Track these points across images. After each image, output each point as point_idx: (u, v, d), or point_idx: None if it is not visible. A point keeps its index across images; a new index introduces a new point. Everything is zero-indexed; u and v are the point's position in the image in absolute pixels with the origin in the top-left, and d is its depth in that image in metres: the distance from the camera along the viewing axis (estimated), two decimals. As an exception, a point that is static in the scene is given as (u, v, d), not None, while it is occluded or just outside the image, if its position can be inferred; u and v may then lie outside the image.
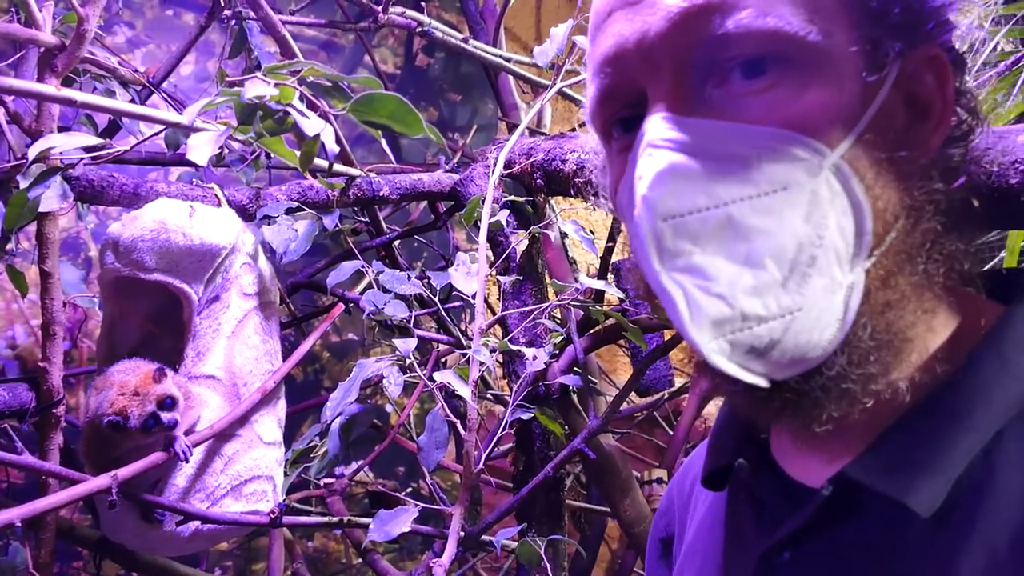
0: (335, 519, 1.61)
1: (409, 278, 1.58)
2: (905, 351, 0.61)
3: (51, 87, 1.30)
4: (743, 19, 0.57)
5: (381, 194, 1.74)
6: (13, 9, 1.54)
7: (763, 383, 0.59)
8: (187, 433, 1.40)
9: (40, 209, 1.33)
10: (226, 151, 1.69)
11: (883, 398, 0.60)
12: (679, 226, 0.58)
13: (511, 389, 1.59)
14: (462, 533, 1.38)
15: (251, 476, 1.49)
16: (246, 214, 1.60)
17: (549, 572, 1.46)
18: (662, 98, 0.61)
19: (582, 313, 1.63)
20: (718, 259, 0.58)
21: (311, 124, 1.14)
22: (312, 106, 1.20)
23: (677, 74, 0.60)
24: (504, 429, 1.49)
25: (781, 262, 0.57)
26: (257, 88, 1.13)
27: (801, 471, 0.68)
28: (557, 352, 1.65)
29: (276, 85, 1.15)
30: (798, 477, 0.68)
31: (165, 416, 1.31)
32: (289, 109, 1.14)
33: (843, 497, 0.61)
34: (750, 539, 0.70)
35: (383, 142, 1.23)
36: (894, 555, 0.59)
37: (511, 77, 2.22)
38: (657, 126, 0.60)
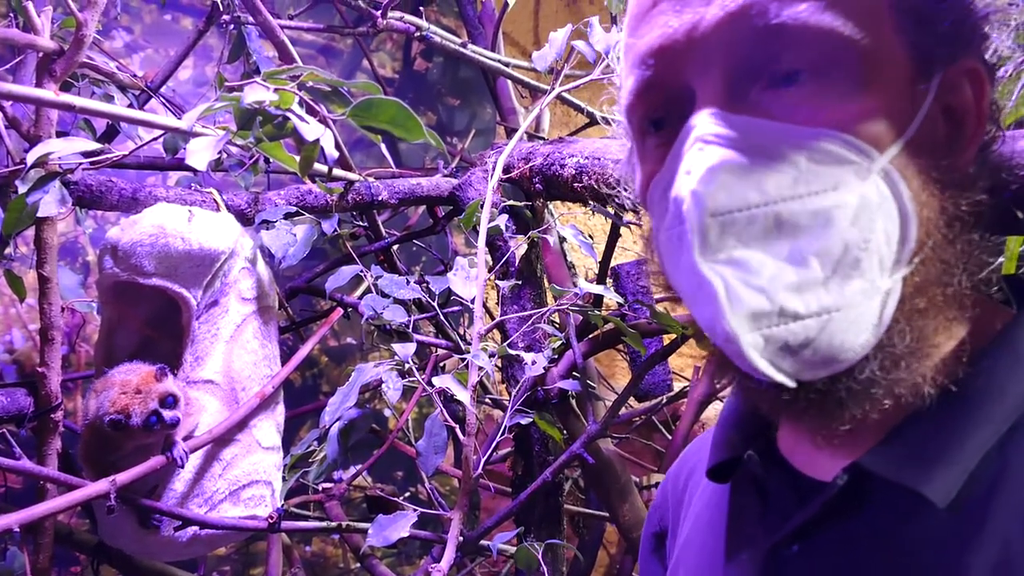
0: (334, 524, 1.61)
1: (408, 283, 1.58)
2: (931, 357, 0.61)
3: (49, 92, 1.30)
4: (801, 13, 0.57)
5: (380, 199, 1.74)
6: (12, 14, 1.53)
7: (790, 383, 0.59)
8: (185, 439, 1.40)
9: (39, 214, 1.33)
10: (224, 156, 1.69)
11: (903, 401, 0.60)
12: (727, 222, 0.58)
13: (510, 394, 1.59)
14: (461, 538, 1.38)
15: (249, 481, 1.49)
16: (245, 219, 1.60)
17: (548, 577, 1.46)
18: (711, 94, 0.61)
19: (581, 318, 1.63)
20: (760, 254, 0.58)
21: (311, 129, 1.13)
22: (312, 111, 1.20)
23: (727, 69, 0.60)
24: (503, 434, 1.49)
25: (825, 261, 0.57)
26: (256, 93, 1.12)
27: (809, 465, 0.68)
28: (556, 357, 1.65)
29: (275, 90, 1.15)
30: (806, 471, 0.68)
31: (167, 414, 1.31)
32: (288, 114, 1.14)
33: (854, 489, 0.62)
34: (755, 533, 0.70)
35: (383, 146, 1.23)
36: (906, 545, 0.59)
37: (510, 82, 2.22)
38: (707, 121, 0.60)
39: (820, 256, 0.57)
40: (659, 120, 0.66)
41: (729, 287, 0.57)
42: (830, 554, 0.63)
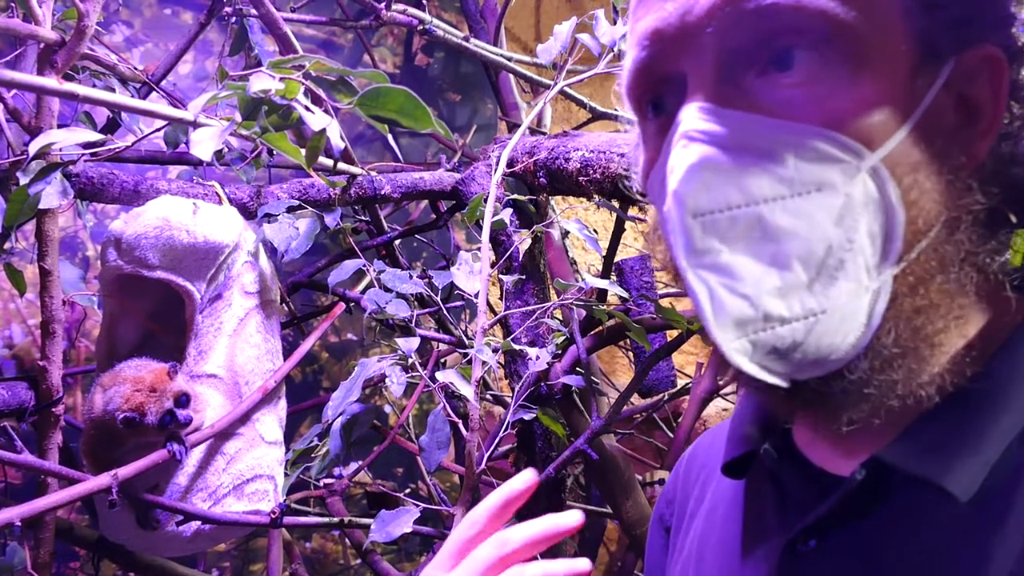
0: (336, 519, 1.60)
1: (411, 277, 1.57)
2: (933, 356, 0.60)
3: (52, 80, 1.28)
4: None
5: (383, 192, 1.73)
6: (12, 5, 1.52)
7: (783, 383, 0.59)
8: (191, 433, 1.39)
9: (40, 206, 1.32)
10: (225, 150, 1.67)
11: (907, 403, 0.59)
12: (708, 223, 0.57)
13: (512, 389, 1.58)
14: (464, 534, 1.37)
15: (253, 475, 1.48)
16: (247, 212, 1.59)
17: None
18: (701, 83, 0.59)
19: (585, 313, 1.62)
20: (745, 258, 0.57)
21: (316, 119, 1.12)
22: (317, 101, 1.19)
23: (719, 55, 0.58)
24: (506, 429, 1.48)
25: (809, 264, 0.56)
26: (262, 82, 1.11)
27: (827, 460, 0.67)
28: (559, 352, 1.64)
29: (281, 79, 1.14)
30: (823, 465, 0.67)
31: (181, 413, 1.32)
32: (294, 104, 1.13)
33: (873, 483, 0.60)
34: (772, 528, 0.69)
35: (390, 138, 1.22)
36: (927, 540, 0.58)
37: (512, 76, 2.21)
38: (693, 116, 0.58)
39: (803, 259, 0.56)
40: (657, 103, 0.65)
41: (714, 295, 0.57)
42: (848, 550, 0.62)
